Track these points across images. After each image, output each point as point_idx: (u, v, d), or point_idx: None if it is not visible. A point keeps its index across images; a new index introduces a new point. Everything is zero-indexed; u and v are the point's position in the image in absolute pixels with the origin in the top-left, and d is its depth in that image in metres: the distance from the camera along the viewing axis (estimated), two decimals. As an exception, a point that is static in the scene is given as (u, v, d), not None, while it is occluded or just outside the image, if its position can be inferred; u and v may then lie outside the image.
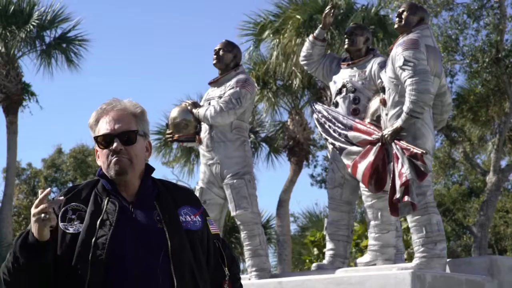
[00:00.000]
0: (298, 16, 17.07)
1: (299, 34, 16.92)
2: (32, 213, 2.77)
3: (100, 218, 2.88)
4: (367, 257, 7.14)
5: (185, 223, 2.97)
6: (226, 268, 3.08)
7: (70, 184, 31.28)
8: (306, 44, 7.62)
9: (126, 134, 2.95)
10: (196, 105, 7.67)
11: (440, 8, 18.33)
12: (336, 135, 7.08)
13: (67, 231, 2.89)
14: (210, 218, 3.14)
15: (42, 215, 2.74)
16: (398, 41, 6.77)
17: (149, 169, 3.04)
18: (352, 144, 6.95)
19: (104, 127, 2.97)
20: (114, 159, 2.93)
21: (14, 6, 20.52)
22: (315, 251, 20.75)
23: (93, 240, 2.84)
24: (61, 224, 2.90)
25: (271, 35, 17.81)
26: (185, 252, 2.91)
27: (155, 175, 3.08)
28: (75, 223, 2.90)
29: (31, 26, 20.41)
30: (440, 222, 6.61)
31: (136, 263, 2.84)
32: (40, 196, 2.76)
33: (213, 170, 7.50)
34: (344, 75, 7.31)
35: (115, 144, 2.93)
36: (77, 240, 2.86)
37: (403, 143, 6.50)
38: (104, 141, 2.96)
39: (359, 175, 6.87)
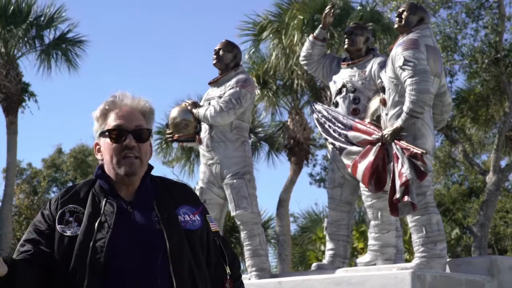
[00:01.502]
0: (301, 16, 17.06)
1: (301, 33, 16.91)
2: None
3: (98, 220, 2.84)
4: (367, 257, 7.15)
5: (184, 222, 2.93)
6: (228, 267, 3.05)
7: (70, 184, 31.24)
8: (306, 44, 7.62)
9: (140, 131, 2.91)
10: (196, 105, 7.66)
11: (439, 6, 18.34)
12: (336, 135, 7.08)
13: (65, 233, 2.85)
14: (210, 216, 3.10)
15: None
16: (398, 41, 6.76)
17: (148, 167, 2.99)
18: (352, 144, 6.95)
19: (116, 121, 2.91)
20: (126, 159, 2.88)
21: (13, 6, 20.52)
22: (321, 247, 20.72)
23: (91, 243, 2.80)
24: (58, 227, 2.87)
25: (271, 35, 17.80)
26: (184, 253, 2.88)
27: (154, 174, 3.05)
28: (73, 225, 2.86)
29: (30, 26, 20.42)
30: (440, 222, 6.60)
31: (135, 265, 2.81)
32: None
33: (213, 170, 7.50)
34: (344, 75, 7.31)
35: (128, 140, 2.88)
36: (74, 243, 2.83)
37: (403, 143, 6.50)
38: (116, 135, 2.89)
39: (359, 175, 6.87)
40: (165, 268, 2.83)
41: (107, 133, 2.91)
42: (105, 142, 2.92)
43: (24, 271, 2.78)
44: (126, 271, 2.80)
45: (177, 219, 2.92)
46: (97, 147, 2.97)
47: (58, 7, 20.84)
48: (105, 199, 2.90)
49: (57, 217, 2.88)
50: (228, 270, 3.06)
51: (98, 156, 2.96)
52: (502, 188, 23.55)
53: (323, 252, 19.80)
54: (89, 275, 2.78)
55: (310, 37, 7.60)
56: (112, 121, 2.91)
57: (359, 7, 17.61)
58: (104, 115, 2.94)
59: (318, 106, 7.43)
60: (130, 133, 2.89)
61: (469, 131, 21.01)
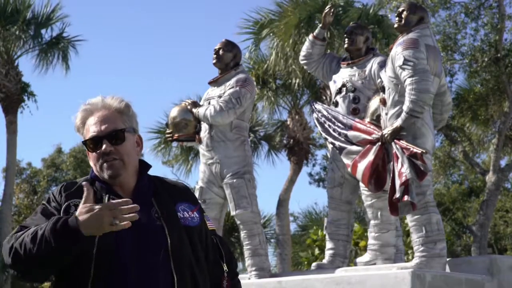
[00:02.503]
0: (298, 15, 17.05)
1: (298, 32, 16.90)
2: (104, 212, 2.65)
3: None
4: (366, 256, 7.15)
5: (183, 219, 2.97)
6: (225, 264, 3.09)
7: (70, 184, 31.23)
8: (306, 44, 7.63)
9: (113, 134, 2.92)
10: (196, 104, 7.67)
11: (438, 6, 18.34)
12: (336, 134, 7.08)
13: None
14: (207, 214, 3.14)
15: (116, 221, 2.65)
16: (398, 40, 6.76)
17: (145, 166, 3.03)
18: (352, 143, 6.95)
19: (91, 129, 2.94)
20: (106, 163, 2.91)
21: (12, 5, 20.52)
22: (316, 250, 20.70)
23: (97, 238, 2.81)
24: None
25: (270, 34, 17.79)
26: (185, 248, 2.92)
27: (154, 173, 3.07)
28: None
29: (28, 25, 20.42)
30: (440, 221, 6.60)
31: (137, 260, 2.84)
32: (121, 201, 2.68)
33: (212, 170, 7.50)
34: (344, 75, 7.31)
35: (104, 146, 2.91)
36: None
37: (403, 143, 6.50)
38: (93, 144, 2.93)
39: (359, 175, 6.87)
40: (166, 264, 2.87)
41: (85, 144, 2.96)
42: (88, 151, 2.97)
43: None
44: (128, 266, 2.83)
45: (177, 216, 2.96)
46: (89, 154, 3.01)
47: (55, 6, 20.88)
48: (107, 195, 2.92)
49: (62, 210, 2.90)
50: (225, 268, 3.09)
51: (91, 163, 3.01)
52: (502, 187, 23.54)
53: (318, 255, 19.78)
54: (95, 270, 2.81)
55: (310, 37, 7.61)
56: (87, 130, 2.95)
57: (362, 5, 17.56)
58: (83, 123, 2.98)
59: (318, 106, 7.43)
60: (104, 138, 2.91)
61: (468, 130, 21.00)
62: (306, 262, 20.89)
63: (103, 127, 2.92)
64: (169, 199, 2.99)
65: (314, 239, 20.89)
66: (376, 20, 17.09)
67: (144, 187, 2.99)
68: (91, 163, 2.97)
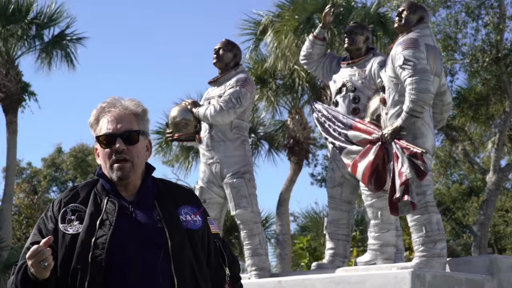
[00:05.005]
0: (298, 14, 17.05)
1: (298, 32, 16.90)
2: (29, 262, 2.75)
3: (100, 218, 2.88)
4: (367, 256, 7.15)
5: (185, 222, 2.97)
6: (227, 268, 3.08)
7: (70, 183, 31.31)
8: (306, 43, 7.63)
9: (128, 133, 2.94)
10: (196, 104, 7.67)
11: (438, 5, 18.33)
12: (336, 134, 7.08)
13: (67, 232, 2.90)
14: (211, 218, 3.14)
15: (41, 263, 2.73)
16: (398, 40, 6.76)
17: (150, 168, 3.04)
18: (352, 143, 6.95)
19: (105, 126, 2.95)
20: (117, 163, 2.93)
21: (13, 5, 20.50)
22: (307, 255, 20.68)
23: (93, 240, 2.84)
24: (60, 226, 2.91)
25: (271, 34, 17.79)
26: (186, 251, 2.91)
27: (154, 174, 3.08)
28: (75, 223, 2.91)
29: (30, 25, 20.41)
30: (440, 221, 6.60)
31: (136, 262, 2.84)
32: (40, 244, 2.74)
33: (213, 169, 7.51)
34: (344, 74, 7.31)
35: (117, 144, 2.92)
36: (76, 241, 2.86)
37: (403, 142, 6.50)
38: (106, 140, 2.94)
39: (359, 174, 6.87)
40: (167, 266, 2.87)
41: (98, 139, 2.97)
42: (99, 148, 2.98)
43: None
44: (128, 268, 2.84)
45: (179, 218, 2.96)
46: (97, 151, 3.02)
47: (58, 6, 20.85)
48: (106, 197, 2.94)
49: (59, 217, 2.93)
50: (227, 272, 3.08)
51: (98, 161, 3.02)
52: (502, 187, 23.54)
53: (309, 261, 19.72)
54: (91, 272, 2.82)
55: (310, 36, 7.62)
56: (102, 127, 2.97)
57: (362, 5, 17.53)
58: (97, 121, 3.00)
59: (318, 105, 7.43)
60: (118, 136, 2.93)
61: (469, 130, 21.01)
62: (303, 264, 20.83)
63: (118, 126, 2.94)
64: (172, 202, 2.99)
65: (301, 247, 20.81)
66: (377, 19, 17.07)
67: (147, 189, 3.00)
68: (101, 161, 2.98)
